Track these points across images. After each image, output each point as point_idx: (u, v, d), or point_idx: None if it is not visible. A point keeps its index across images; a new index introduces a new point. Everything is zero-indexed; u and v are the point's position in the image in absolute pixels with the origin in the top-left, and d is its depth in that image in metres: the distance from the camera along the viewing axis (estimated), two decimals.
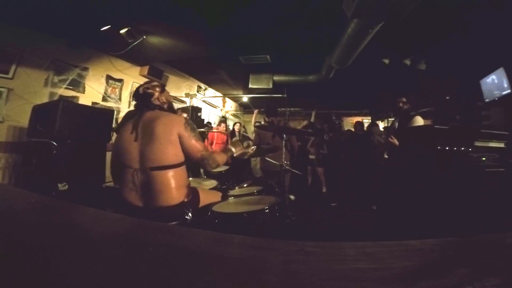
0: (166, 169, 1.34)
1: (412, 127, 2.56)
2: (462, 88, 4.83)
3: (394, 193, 2.31)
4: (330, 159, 4.32)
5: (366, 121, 9.66)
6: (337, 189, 4.12)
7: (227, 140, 4.89)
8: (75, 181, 2.62)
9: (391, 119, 4.99)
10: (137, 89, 1.51)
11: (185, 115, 3.96)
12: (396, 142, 2.62)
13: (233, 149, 1.66)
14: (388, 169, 2.93)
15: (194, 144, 1.40)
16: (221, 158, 1.50)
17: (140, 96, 1.48)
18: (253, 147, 1.91)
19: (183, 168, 1.43)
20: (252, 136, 5.61)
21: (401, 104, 2.81)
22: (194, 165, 1.55)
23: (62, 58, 3.46)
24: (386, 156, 3.10)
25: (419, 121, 2.62)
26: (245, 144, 1.79)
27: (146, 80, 4.71)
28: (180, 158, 1.40)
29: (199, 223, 1.39)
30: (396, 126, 2.92)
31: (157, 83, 1.55)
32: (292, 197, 3.58)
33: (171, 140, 1.35)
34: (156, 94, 1.48)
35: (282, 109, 5.29)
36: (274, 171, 2.58)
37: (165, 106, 1.51)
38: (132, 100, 3.42)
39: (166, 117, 1.41)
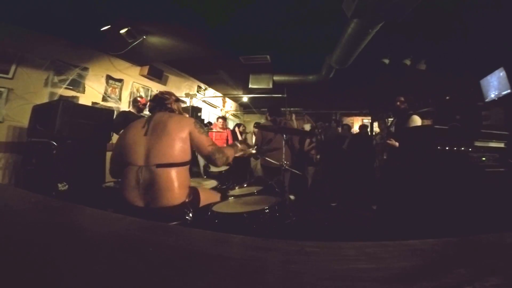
0: (171, 167, 1.36)
1: (412, 127, 2.56)
2: (462, 88, 4.83)
3: (394, 193, 2.32)
4: (324, 160, 4.33)
5: (366, 121, 9.67)
6: (337, 189, 4.12)
7: (227, 139, 4.90)
8: (75, 181, 2.62)
9: (390, 119, 5.00)
10: (156, 94, 1.67)
11: (186, 115, 3.97)
12: (395, 143, 2.62)
13: (238, 145, 1.76)
14: (387, 169, 2.93)
15: (204, 140, 1.48)
16: (230, 152, 1.61)
17: (158, 98, 1.61)
18: (254, 148, 1.92)
19: (187, 168, 1.47)
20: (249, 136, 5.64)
21: (398, 103, 2.82)
22: (194, 166, 1.57)
23: (62, 58, 3.46)
24: (384, 157, 3.11)
25: (416, 120, 2.63)
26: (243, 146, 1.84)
27: (146, 80, 4.76)
28: (186, 157, 1.43)
29: (199, 223, 1.39)
30: (393, 129, 2.93)
31: (173, 93, 1.69)
32: (292, 197, 3.58)
33: (181, 137, 1.41)
34: (171, 100, 1.61)
35: (282, 109, 5.29)
36: (274, 167, 2.60)
37: (176, 112, 1.63)
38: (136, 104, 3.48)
39: (178, 117, 1.53)
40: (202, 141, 1.47)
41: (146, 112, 4.04)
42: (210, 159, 1.50)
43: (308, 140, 4.58)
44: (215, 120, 5.40)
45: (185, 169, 1.44)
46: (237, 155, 1.77)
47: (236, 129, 5.62)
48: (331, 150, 4.20)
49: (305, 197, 4.09)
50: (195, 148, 1.48)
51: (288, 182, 2.92)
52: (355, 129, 7.47)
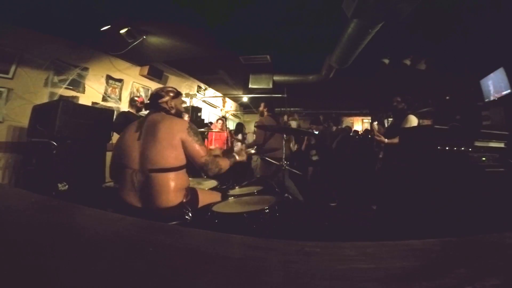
0: (165, 172, 1.34)
1: (411, 127, 2.57)
2: (462, 88, 4.83)
3: (394, 193, 2.32)
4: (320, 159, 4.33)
5: (366, 121, 9.68)
6: (337, 189, 4.12)
7: (227, 140, 4.89)
8: (75, 181, 2.62)
9: (390, 119, 5.00)
10: (152, 92, 1.59)
11: (186, 116, 3.97)
12: (383, 139, 2.67)
13: (237, 157, 1.66)
14: (384, 169, 2.94)
15: (198, 149, 1.41)
16: (224, 163, 1.51)
17: (152, 96, 1.54)
18: (254, 148, 1.92)
19: (183, 171, 1.44)
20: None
21: (395, 104, 2.84)
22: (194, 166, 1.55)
23: (62, 58, 3.46)
24: (380, 156, 3.12)
25: (412, 120, 2.64)
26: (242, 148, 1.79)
27: (146, 80, 4.76)
28: (181, 161, 1.40)
29: (199, 223, 1.39)
30: (376, 127, 2.97)
31: (172, 89, 1.58)
32: (291, 197, 3.57)
33: (172, 144, 1.36)
34: (166, 98, 1.51)
35: (282, 109, 5.30)
36: (275, 159, 2.61)
37: (172, 111, 1.53)
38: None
39: (169, 121, 1.43)
40: (195, 151, 1.40)
41: (145, 111, 4.03)
42: (202, 169, 1.45)
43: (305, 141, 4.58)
44: (215, 121, 5.38)
45: (181, 173, 1.41)
46: (238, 160, 1.73)
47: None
48: (326, 150, 4.20)
49: (305, 197, 4.08)
50: (188, 157, 1.41)
51: (264, 171, 2.90)
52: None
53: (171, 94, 1.53)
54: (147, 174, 1.33)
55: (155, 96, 1.51)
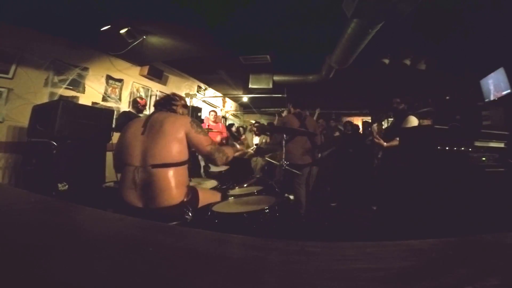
0: (167, 167, 1.36)
1: (411, 127, 2.57)
2: (462, 88, 4.83)
3: (394, 193, 2.32)
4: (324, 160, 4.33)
5: (366, 121, 9.67)
6: (337, 189, 4.12)
7: (227, 139, 4.87)
8: (75, 181, 2.62)
9: (390, 119, 5.00)
10: (168, 94, 1.71)
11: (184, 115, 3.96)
12: (382, 142, 2.67)
13: (237, 146, 1.75)
14: (384, 169, 2.94)
15: (202, 139, 1.47)
16: (229, 151, 1.59)
17: (167, 97, 1.65)
18: (253, 147, 1.92)
19: (185, 167, 1.46)
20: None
21: (395, 105, 2.84)
22: (194, 166, 1.56)
23: (62, 58, 3.46)
24: (379, 156, 3.12)
25: (412, 120, 2.64)
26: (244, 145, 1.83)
27: (146, 80, 4.76)
28: (183, 156, 1.42)
29: (199, 223, 1.39)
30: (376, 129, 2.97)
31: (185, 101, 1.70)
32: (291, 197, 3.58)
33: (177, 138, 1.40)
34: (179, 104, 1.62)
35: (282, 108, 5.30)
36: (301, 164, 2.62)
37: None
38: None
39: (174, 117, 1.50)
40: (200, 141, 1.46)
41: (146, 112, 4.04)
42: (209, 159, 1.51)
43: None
44: (207, 115, 5.18)
45: (182, 169, 1.43)
46: (236, 154, 1.76)
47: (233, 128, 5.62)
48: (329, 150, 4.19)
49: (306, 197, 4.08)
50: (194, 148, 1.47)
51: (259, 169, 2.87)
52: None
53: (183, 102, 1.66)
54: (149, 170, 1.34)
55: (170, 98, 1.61)
